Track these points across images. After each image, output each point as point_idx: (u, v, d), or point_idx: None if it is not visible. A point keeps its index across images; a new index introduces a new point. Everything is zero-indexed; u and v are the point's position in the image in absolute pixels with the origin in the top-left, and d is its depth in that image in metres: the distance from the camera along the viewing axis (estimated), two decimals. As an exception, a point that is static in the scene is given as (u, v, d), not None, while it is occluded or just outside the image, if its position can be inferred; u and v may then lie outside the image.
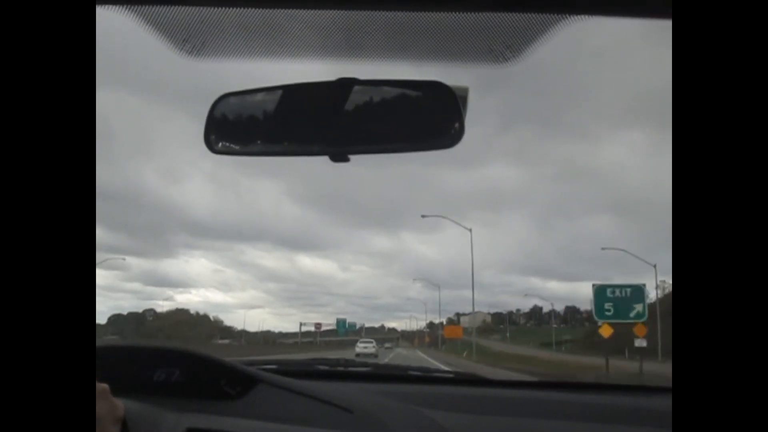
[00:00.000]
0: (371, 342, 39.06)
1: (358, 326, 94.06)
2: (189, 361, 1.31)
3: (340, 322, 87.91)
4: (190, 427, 1.06)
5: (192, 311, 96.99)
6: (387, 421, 1.22)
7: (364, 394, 1.38)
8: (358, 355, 31.13)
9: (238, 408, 1.21)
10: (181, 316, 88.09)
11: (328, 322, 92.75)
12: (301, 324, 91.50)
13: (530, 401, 1.46)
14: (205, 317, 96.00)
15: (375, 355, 32.79)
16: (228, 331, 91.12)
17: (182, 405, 1.16)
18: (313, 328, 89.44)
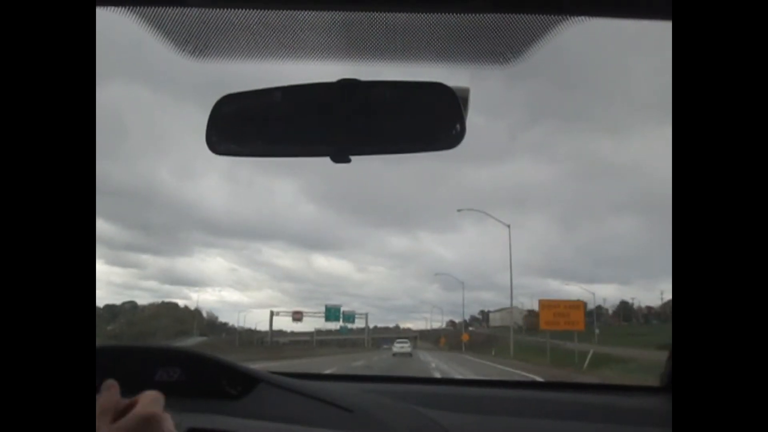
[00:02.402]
0: (407, 342, 41.44)
1: (356, 319, 66.33)
2: (190, 360, 1.32)
3: (331, 310, 58.59)
4: (191, 427, 1.07)
5: (181, 305, 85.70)
6: (387, 420, 1.22)
7: (365, 393, 1.38)
8: (395, 354, 33.43)
9: (239, 408, 1.21)
10: (162, 310, 74.83)
11: (314, 311, 66.37)
12: (272, 313, 64.98)
13: (530, 401, 1.46)
14: (197, 312, 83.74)
15: (410, 354, 34.45)
16: (222, 329, 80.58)
17: (183, 405, 1.16)
18: (290, 320, 63.62)
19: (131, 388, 1.13)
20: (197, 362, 1.32)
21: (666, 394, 1.48)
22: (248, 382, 1.28)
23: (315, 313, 65.74)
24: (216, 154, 0.97)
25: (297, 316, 63.25)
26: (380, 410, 1.26)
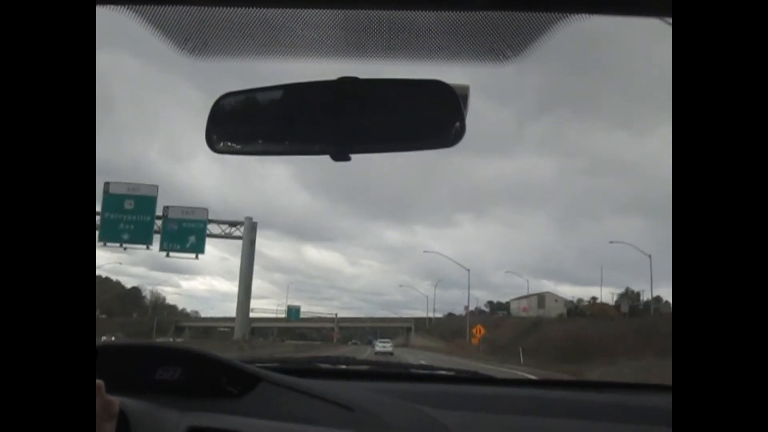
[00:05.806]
0: (389, 342, 43.58)
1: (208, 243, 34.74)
2: (191, 359, 1.32)
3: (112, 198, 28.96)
4: (191, 425, 1.07)
5: (113, 279, 75.34)
6: (388, 419, 1.22)
7: (365, 392, 1.38)
8: (377, 353, 34.88)
9: (239, 406, 1.22)
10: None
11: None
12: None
13: (531, 399, 1.46)
14: (134, 290, 74.86)
15: (391, 353, 35.37)
16: (159, 310, 73.57)
17: (184, 404, 1.17)
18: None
19: (132, 387, 1.13)
20: (198, 361, 1.32)
21: (666, 393, 1.48)
22: (249, 380, 1.28)
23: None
24: (216, 153, 0.97)
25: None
26: (381, 409, 1.26)
